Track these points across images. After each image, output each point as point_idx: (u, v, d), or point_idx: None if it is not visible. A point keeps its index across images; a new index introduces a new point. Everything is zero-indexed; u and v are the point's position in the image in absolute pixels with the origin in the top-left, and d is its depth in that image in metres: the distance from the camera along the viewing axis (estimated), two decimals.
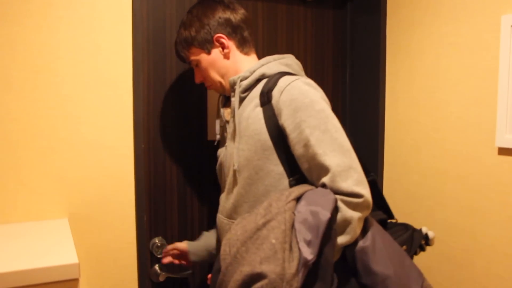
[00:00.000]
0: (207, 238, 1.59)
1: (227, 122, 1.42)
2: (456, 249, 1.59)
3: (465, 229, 1.56)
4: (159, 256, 1.69)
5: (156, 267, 1.69)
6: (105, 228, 1.51)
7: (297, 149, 1.22)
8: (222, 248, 1.13)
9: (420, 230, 1.44)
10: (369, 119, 1.95)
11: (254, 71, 1.34)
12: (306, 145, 1.20)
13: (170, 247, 1.59)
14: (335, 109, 2.08)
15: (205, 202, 1.79)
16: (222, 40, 1.38)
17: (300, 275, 1.02)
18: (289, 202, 1.13)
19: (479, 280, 1.52)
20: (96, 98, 1.47)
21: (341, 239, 1.14)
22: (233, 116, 1.34)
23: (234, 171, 1.33)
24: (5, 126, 1.37)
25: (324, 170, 1.17)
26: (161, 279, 1.68)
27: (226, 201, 1.38)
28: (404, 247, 1.36)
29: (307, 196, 1.15)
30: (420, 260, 1.74)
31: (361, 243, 1.18)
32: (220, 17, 1.39)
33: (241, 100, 1.35)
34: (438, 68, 1.65)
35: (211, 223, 1.80)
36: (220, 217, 1.40)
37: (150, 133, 1.69)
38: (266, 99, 1.27)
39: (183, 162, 1.74)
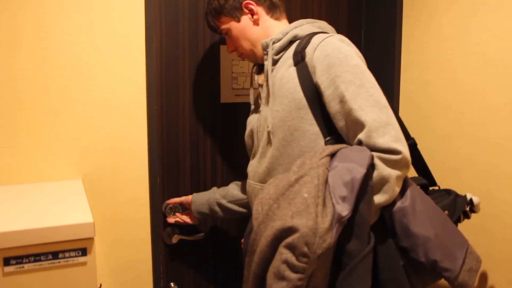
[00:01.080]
0: (213, 193, 1.60)
1: (261, 86, 1.41)
2: (472, 214, 1.58)
3: (481, 194, 1.55)
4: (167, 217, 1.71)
5: (169, 229, 1.71)
6: (119, 189, 1.52)
7: (333, 106, 1.19)
8: (254, 208, 1.10)
9: (465, 196, 1.38)
10: (384, 82, 1.92)
11: (287, 33, 1.32)
12: (342, 101, 1.16)
13: (176, 199, 1.63)
14: None
15: (217, 165, 1.78)
16: (251, 6, 1.36)
17: (334, 231, 0.98)
18: (323, 157, 1.09)
19: (495, 245, 1.51)
20: (109, 59, 1.45)
21: (378, 199, 1.09)
22: (267, 79, 1.32)
23: (268, 133, 1.30)
24: (17, 86, 1.36)
25: (360, 125, 1.13)
26: (174, 241, 1.70)
27: (258, 166, 1.36)
28: (446, 212, 1.30)
29: (342, 153, 1.11)
30: None
31: (399, 204, 1.12)
32: None
33: (274, 62, 1.33)
34: (457, 29, 1.60)
35: (223, 185, 1.79)
36: (252, 183, 1.38)
37: (163, 95, 1.67)
38: (299, 58, 1.25)
39: (196, 124, 1.73)
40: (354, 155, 1.08)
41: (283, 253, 0.97)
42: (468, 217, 1.36)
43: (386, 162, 1.09)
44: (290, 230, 0.98)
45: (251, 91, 1.49)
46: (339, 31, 1.96)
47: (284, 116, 1.25)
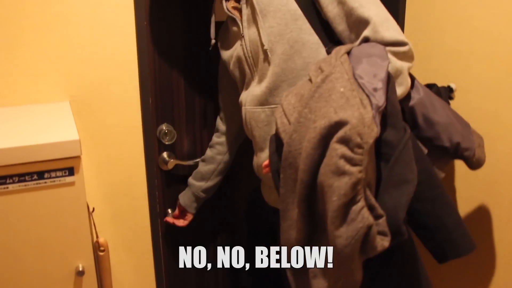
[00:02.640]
0: (192, 185, 1.60)
1: (235, 9, 1.31)
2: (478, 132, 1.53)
3: (489, 113, 1.48)
4: (167, 143, 1.64)
5: (164, 154, 1.65)
6: (109, 111, 1.44)
7: (331, 10, 1.17)
8: (278, 122, 1.07)
9: (443, 86, 1.45)
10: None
11: None
12: (340, 2, 1.14)
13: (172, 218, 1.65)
14: None
15: (213, 85, 1.70)
16: None
17: (377, 121, 0.96)
18: (342, 55, 1.07)
19: (501, 166, 1.47)
20: None
21: (397, 90, 1.10)
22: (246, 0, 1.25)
23: (265, 52, 1.23)
24: None
25: (363, 22, 1.13)
26: (170, 166, 1.65)
27: (256, 89, 1.29)
28: None
29: (357, 50, 1.10)
30: None
31: (416, 95, 1.17)
32: None
33: None
34: None
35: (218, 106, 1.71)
36: (249, 109, 1.31)
37: (153, 9, 1.55)
38: None
39: (189, 40, 1.62)
40: (370, 49, 1.08)
41: (337, 148, 0.93)
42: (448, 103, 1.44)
43: (396, 54, 1.11)
44: (338, 125, 0.94)
45: (212, 24, 1.39)
46: None
47: (281, 30, 1.21)
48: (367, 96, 0.99)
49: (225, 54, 1.41)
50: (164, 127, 1.64)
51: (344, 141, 0.93)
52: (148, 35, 1.51)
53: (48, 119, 1.18)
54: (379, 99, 0.99)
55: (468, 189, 1.58)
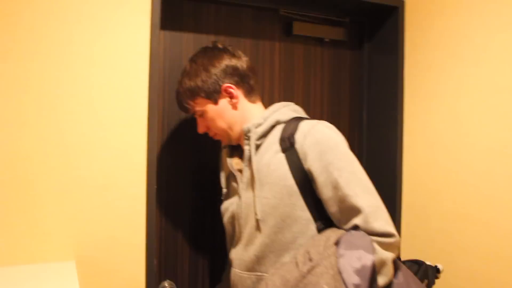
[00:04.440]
0: None
1: (239, 171, 1.38)
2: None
3: (491, 278, 1.48)
4: None
5: None
6: (113, 272, 1.45)
7: (326, 192, 1.21)
8: None
9: (431, 265, 1.47)
10: (387, 160, 1.90)
11: (267, 118, 1.33)
12: (336, 187, 1.19)
13: None
14: (352, 150, 2.03)
15: (217, 246, 1.73)
16: (231, 90, 1.36)
17: None
18: (330, 247, 1.12)
19: None
20: (109, 137, 1.43)
21: (380, 281, 1.13)
22: (249, 164, 1.32)
23: (257, 221, 1.28)
24: (14, 164, 1.33)
25: (355, 211, 1.16)
26: None
27: (244, 253, 1.32)
28: (426, 281, 1.41)
29: (346, 240, 1.14)
30: None
31: (394, 281, 1.18)
32: (227, 66, 1.36)
33: (257, 147, 1.32)
34: (459, 109, 1.60)
35: (222, 267, 1.72)
36: (237, 272, 1.34)
37: (163, 173, 1.65)
38: (288, 144, 1.26)
39: (195, 204, 1.70)
40: (358, 242, 1.12)
41: None
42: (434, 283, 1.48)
43: (383, 245, 1.14)
44: None
45: (222, 175, 1.46)
46: (341, 109, 1.97)
47: (276, 203, 1.25)
48: None
49: (224, 204, 1.45)
50: (166, 284, 1.64)
51: None
52: (157, 199, 1.59)
53: (52, 283, 1.18)
54: None
55: None
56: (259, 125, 1.32)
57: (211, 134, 1.44)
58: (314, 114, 1.92)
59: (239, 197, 1.35)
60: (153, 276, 1.50)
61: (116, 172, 1.44)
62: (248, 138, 1.33)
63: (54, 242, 1.38)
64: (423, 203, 1.77)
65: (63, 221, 1.39)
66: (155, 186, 1.48)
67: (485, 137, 1.51)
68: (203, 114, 1.39)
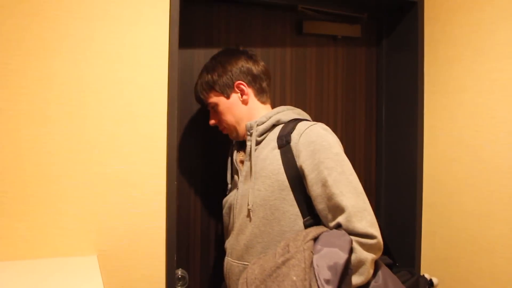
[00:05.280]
0: None
1: (242, 163, 1.48)
2: None
3: None
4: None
5: None
6: (134, 266, 1.46)
7: (315, 189, 1.27)
8: (239, 287, 1.17)
9: (424, 276, 1.48)
10: (407, 158, 1.88)
11: (270, 117, 1.42)
12: (324, 185, 1.25)
13: None
14: (369, 150, 2.02)
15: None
16: (242, 86, 1.46)
17: None
18: (307, 241, 1.18)
19: None
20: (131, 134, 1.45)
21: (356, 280, 1.18)
22: (249, 158, 1.41)
23: (248, 211, 1.36)
24: (39, 159, 1.36)
25: (340, 210, 1.22)
26: None
27: (236, 243, 1.41)
28: None
29: (324, 237, 1.20)
30: None
31: (373, 283, 1.22)
32: (242, 66, 1.48)
33: (257, 143, 1.42)
34: (481, 106, 1.58)
35: None
36: (230, 260, 1.43)
37: (183, 172, 1.68)
38: (284, 142, 1.34)
39: (208, 200, 1.74)
40: (335, 240, 1.18)
41: None
42: None
43: (363, 246, 1.19)
44: None
45: (229, 171, 1.58)
46: (356, 108, 1.97)
47: (266, 196, 1.33)
48: (318, 286, 1.10)
49: (225, 198, 1.55)
50: (179, 272, 1.70)
51: None
52: (176, 195, 1.60)
53: (75, 276, 1.20)
54: None
55: None
56: (262, 123, 1.41)
57: (220, 127, 1.54)
58: (328, 113, 1.93)
59: (237, 189, 1.45)
60: (173, 271, 1.51)
61: (137, 167, 1.46)
62: (250, 134, 1.43)
63: (77, 237, 1.41)
64: (444, 201, 1.75)
65: (86, 216, 1.41)
66: (175, 182, 1.49)
67: (507, 133, 1.48)
68: (215, 106, 1.50)
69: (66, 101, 1.38)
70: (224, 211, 1.53)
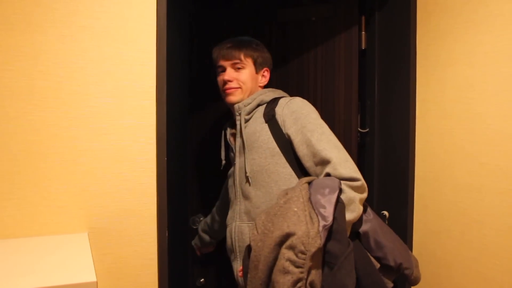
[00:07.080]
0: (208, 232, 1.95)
1: (233, 137, 1.69)
2: (494, 270, 1.50)
3: (505, 249, 1.47)
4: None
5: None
6: (126, 243, 1.46)
7: (301, 150, 1.53)
8: (251, 233, 1.36)
9: (383, 213, 1.86)
10: (399, 131, 1.88)
11: (255, 99, 1.67)
12: (309, 145, 1.50)
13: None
14: (362, 122, 2.02)
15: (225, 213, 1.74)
16: (267, 73, 1.76)
17: (322, 235, 1.25)
18: (303, 184, 1.40)
19: None
20: (119, 108, 1.43)
21: (348, 216, 1.38)
22: (241, 135, 1.62)
23: (247, 178, 1.58)
24: (26, 136, 1.34)
25: (326, 161, 1.46)
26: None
27: (240, 208, 1.62)
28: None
29: (316, 181, 1.43)
30: (452, 280, 1.65)
31: (364, 217, 1.48)
32: (271, 56, 1.77)
33: (246, 121, 1.65)
34: (473, 78, 1.57)
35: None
36: (238, 224, 1.61)
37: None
38: (270, 116, 1.59)
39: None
40: (326, 182, 1.40)
41: (285, 253, 1.24)
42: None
43: (351, 187, 1.42)
44: (288, 235, 1.25)
45: (222, 149, 1.76)
46: (351, 80, 1.95)
47: (261, 162, 1.57)
48: (317, 215, 1.28)
49: (230, 170, 1.72)
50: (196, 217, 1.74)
51: (291, 248, 1.24)
52: (167, 170, 1.59)
53: (66, 254, 1.19)
54: (327, 219, 1.28)
55: None
56: (248, 104, 1.65)
57: (232, 85, 1.68)
58: (308, 91, 2.04)
59: (234, 163, 1.66)
60: (165, 248, 1.51)
61: (127, 144, 1.44)
62: (239, 114, 1.65)
63: (67, 214, 1.40)
64: (436, 174, 1.75)
65: (76, 193, 1.40)
66: (165, 158, 1.48)
67: (499, 106, 1.48)
68: (241, 67, 1.69)
69: (51, 77, 1.36)
70: (228, 184, 1.72)
